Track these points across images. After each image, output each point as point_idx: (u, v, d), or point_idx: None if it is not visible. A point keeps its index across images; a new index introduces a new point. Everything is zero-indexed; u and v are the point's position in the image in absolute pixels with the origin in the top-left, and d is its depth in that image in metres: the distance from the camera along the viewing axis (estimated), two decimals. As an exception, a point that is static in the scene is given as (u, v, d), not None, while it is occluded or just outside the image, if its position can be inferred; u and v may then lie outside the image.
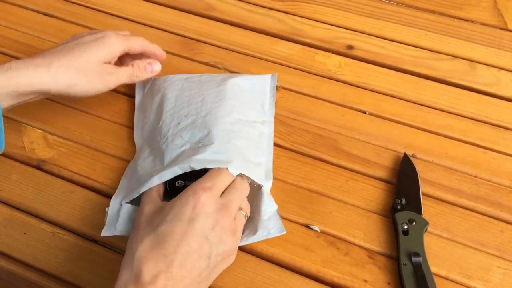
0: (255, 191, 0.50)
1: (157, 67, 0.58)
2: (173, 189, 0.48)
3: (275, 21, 0.72)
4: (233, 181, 0.46)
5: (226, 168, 0.46)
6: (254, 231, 0.47)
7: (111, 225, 0.47)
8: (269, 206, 0.48)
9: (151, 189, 0.46)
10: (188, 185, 0.44)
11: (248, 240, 0.47)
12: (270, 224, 0.47)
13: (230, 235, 0.43)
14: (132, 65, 0.56)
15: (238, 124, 0.54)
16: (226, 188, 0.45)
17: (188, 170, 0.47)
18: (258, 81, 0.62)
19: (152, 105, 0.58)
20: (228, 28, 0.72)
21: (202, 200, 0.42)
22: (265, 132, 0.57)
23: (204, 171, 0.46)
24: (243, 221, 0.46)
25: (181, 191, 0.44)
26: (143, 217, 0.43)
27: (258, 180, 0.49)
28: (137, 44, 0.57)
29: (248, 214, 0.47)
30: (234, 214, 0.44)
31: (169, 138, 0.52)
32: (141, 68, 0.56)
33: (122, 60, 0.58)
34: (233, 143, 0.51)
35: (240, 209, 0.46)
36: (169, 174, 0.47)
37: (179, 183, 0.48)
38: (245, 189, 0.47)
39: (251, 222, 0.48)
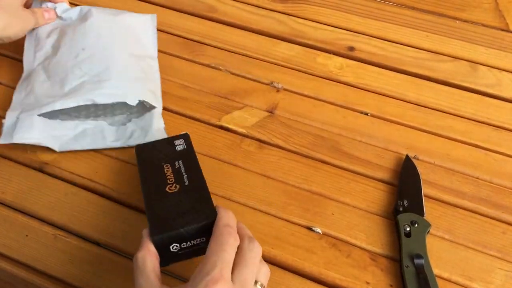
0: (147, 110, 0.58)
1: (48, 15, 0.61)
2: (168, 255, 0.42)
3: (276, 23, 0.72)
4: (238, 248, 0.39)
5: (225, 232, 0.39)
6: (143, 136, 0.56)
7: (7, 135, 0.53)
8: (159, 123, 0.57)
9: (145, 269, 0.38)
10: (183, 249, 0.42)
11: (130, 140, 0.56)
12: (157, 135, 0.56)
13: None
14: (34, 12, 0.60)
15: (131, 59, 0.60)
16: (235, 261, 0.38)
17: (89, 103, 0.54)
18: (141, 19, 0.66)
19: (49, 35, 0.61)
20: (229, 29, 0.72)
21: None
22: (153, 65, 0.63)
23: (196, 228, 0.42)
24: None
25: (177, 256, 0.42)
26: None
27: (153, 103, 0.57)
28: None
29: (266, 284, 0.41)
30: None
31: (68, 69, 0.57)
32: (39, 15, 0.60)
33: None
34: (129, 77, 0.58)
35: (256, 282, 0.39)
36: (72, 102, 0.53)
37: (175, 248, 0.42)
38: (256, 255, 0.39)
39: (142, 131, 0.56)
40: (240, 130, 0.59)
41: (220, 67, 0.67)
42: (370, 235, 0.50)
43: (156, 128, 0.57)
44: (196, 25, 0.72)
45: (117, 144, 0.56)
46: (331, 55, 0.68)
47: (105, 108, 0.57)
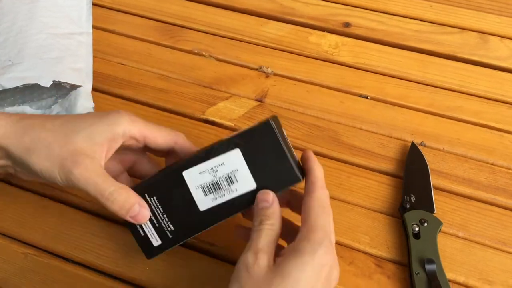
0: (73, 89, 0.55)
1: (143, 214, 0.39)
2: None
3: (263, 0, 0.66)
4: None
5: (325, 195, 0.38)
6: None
7: None
8: (86, 102, 0.53)
9: (274, 227, 0.37)
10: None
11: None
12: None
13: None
14: (121, 187, 0.38)
15: (51, 39, 0.57)
16: None
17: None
18: None
19: None
20: (212, 10, 0.65)
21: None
22: (84, 41, 0.60)
23: None
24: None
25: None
26: (260, 270, 0.34)
27: (77, 82, 0.54)
28: (160, 136, 0.41)
29: None
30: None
31: None
32: (126, 203, 0.38)
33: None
34: (45, 58, 0.55)
35: None
36: None
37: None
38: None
39: (67, 112, 0.53)
40: (227, 123, 0.54)
41: (203, 53, 0.61)
42: (374, 237, 0.45)
43: (82, 108, 0.52)
44: (175, 7, 0.66)
45: None
46: (325, 33, 0.62)
47: (32, 92, 0.54)
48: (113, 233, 0.46)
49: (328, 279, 0.34)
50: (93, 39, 0.61)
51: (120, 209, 0.38)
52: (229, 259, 0.44)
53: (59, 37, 0.58)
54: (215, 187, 0.37)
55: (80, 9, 0.62)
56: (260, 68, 0.59)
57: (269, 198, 0.37)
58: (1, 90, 0.52)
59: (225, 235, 0.44)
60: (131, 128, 0.39)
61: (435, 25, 0.62)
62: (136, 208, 0.38)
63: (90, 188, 0.37)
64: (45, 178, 0.38)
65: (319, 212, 0.36)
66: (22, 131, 0.38)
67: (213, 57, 0.60)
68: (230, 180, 0.37)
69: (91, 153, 0.38)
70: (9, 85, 0.51)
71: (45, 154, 0.37)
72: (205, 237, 0.45)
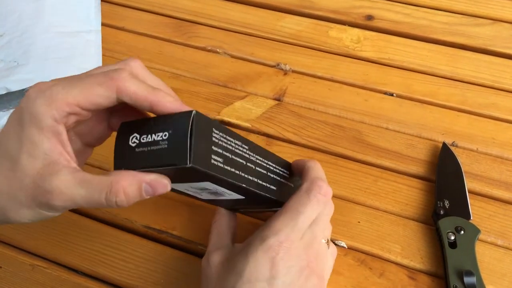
0: None
1: (163, 188, 0.30)
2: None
3: (280, -7, 0.63)
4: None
5: (316, 186, 0.35)
6: None
7: None
8: None
9: (220, 225, 0.38)
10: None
11: None
12: None
13: (316, 279, 0.34)
14: (112, 186, 0.29)
15: (59, 38, 0.55)
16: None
17: (4, 92, 0.48)
18: None
19: None
20: (226, 4, 0.62)
21: (280, 256, 0.32)
22: (92, 40, 0.57)
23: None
24: (326, 249, 0.36)
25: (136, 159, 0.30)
26: (212, 269, 0.35)
27: None
28: (92, 96, 0.30)
29: (329, 236, 0.37)
30: (317, 253, 0.35)
31: None
32: (129, 198, 0.30)
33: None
34: (52, 58, 0.53)
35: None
36: None
37: (133, 141, 0.30)
38: (330, 214, 0.37)
39: None
40: (243, 124, 0.51)
41: (218, 50, 0.57)
42: (406, 247, 0.42)
43: None
44: (187, 2, 0.63)
45: None
46: (346, 27, 0.59)
47: None
48: (124, 243, 0.43)
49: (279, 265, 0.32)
50: (101, 37, 0.58)
51: (129, 202, 0.30)
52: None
53: (67, 36, 0.56)
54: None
55: (88, 6, 0.60)
56: (278, 65, 0.55)
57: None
58: (6, 93, 0.50)
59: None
60: (54, 108, 0.29)
61: (465, 16, 0.58)
62: (148, 189, 0.30)
63: (84, 203, 0.30)
64: (43, 218, 0.31)
65: (291, 206, 0.35)
66: None
67: (228, 54, 0.57)
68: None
69: (52, 168, 0.29)
70: (14, 87, 0.49)
71: (16, 206, 0.30)
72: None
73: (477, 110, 0.51)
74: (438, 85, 0.53)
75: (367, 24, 0.59)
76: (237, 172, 0.32)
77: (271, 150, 0.38)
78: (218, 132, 0.30)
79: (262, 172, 0.35)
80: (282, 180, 0.37)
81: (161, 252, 0.42)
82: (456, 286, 0.38)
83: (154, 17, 0.61)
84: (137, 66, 0.32)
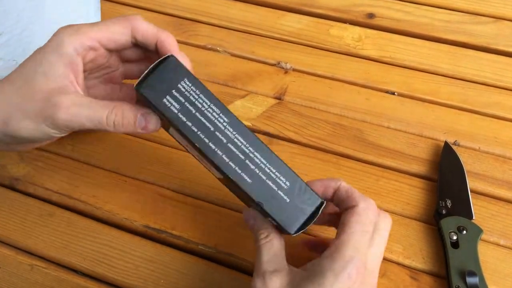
0: None
1: (153, 124, 0.35)
2: None
3: (280, -9, 0.62)
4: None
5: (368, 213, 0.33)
6: None
7: None
8: None
9: (273, 244, 0.34)
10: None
11: None
12: None
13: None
14: (114, 107, 0.34)
15: None
16: None
17: None
18: None
19: None
20: (226, 3, 0.62)
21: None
22: None
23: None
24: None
25: None
26: None
27: None
28: (115, 32, 0.36)
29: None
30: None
31: None
32: (125, 119, 0.35)
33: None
34: None
35: None
36: None
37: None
38: (388, 229, 0.35)
39: None
40: (244, 123, 0.50)
41: (218, 48, 0.57)
42: (408, 247, 0.41)
43: None
44: (186, 0, 0.62)
45: None
46: (347, 25, 0.58)
47: None
48: (124, 243, 0.43)
49: None
50: (101, 35, 0.58)
51: (126, 128, 0.34)
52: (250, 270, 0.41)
53: None
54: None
55: (88, 4, 0.59)
56: (278, 63, 0.55)
57: (249, 213, 0.35)
58: None
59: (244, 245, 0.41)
60: (77, 40, 0.34)
61: (467, 14, 0.58)
62: (141, 120, 0.34)
63: (86, 124, 0.34)
64: (39, 138, 0.35)
65: (355, 228, 0.32)
66: None
67: (228, 53, 0.57)
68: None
69: (62, 90, 0.34)
70: None
71: (21, 116, 0.34)
72: (225, 248, 0.42)
73: (479, 108, 0.50)
74: (440, 83, 0.52)
75: (368, 22, 0.58)
76: (195, 129, 0.33)
77: (272, 150, 0.35)
78: (189, 84, 0.33)
79: (236, 154, 0.33)
80: (268, 181, 0.33)
81: (161, 252, 0.42)
82: (458, 287, 0.38)
83: (154, 15, 0.61)
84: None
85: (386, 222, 0.34)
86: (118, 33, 0.35)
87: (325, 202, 0.34)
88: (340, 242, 0.31)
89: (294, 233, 0.33)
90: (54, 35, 0.35)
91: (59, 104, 0.33)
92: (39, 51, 0.35)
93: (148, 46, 0.37)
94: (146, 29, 0.36)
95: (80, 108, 0.33)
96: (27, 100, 0.34)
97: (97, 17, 0.58)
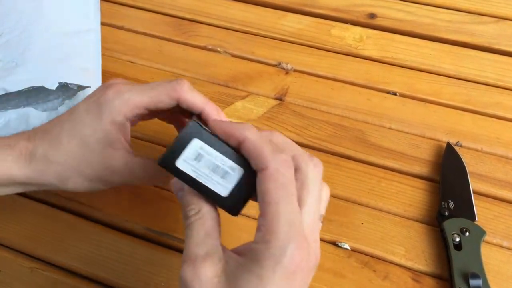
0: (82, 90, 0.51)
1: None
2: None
3: (281, -9, 0.62)
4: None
5: (280, 164, 0.28)
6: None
7: None
8: None
9: (206, 219, 0.30)
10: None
11: None
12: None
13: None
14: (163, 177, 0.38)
15: (58, 37, 0.53)
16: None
17: (2, 93, 0.47)
18: None
19: None
20: (226, 3, 0.61)
21: (300, 278, 0.27)
22: (92, 39, 0.56)
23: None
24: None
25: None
26: (204, 286, 0.27)
27: (84, 83, 0.50)
28: (160, 102, 0.37)
29: (324, 213, 0.33)
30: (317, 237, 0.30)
31: None
32: (171, 187, 0.34)
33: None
34: (51, 58, 0.51)
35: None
36: None
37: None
38: (319, 175, 0.31)
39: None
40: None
41: (218, 49, 0.57)
42: (410, 249, 0.41)
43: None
44: (187, 1, 0.62)
45: None
46: (348, 25, 0.58)
47: (37, 94, 0.51)
48: (124, 246, 0.42)
49: None
50: (101, 36, 0.58)
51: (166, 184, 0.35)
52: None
53: (66, 35, 0.55)
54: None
55: (87, 5, 0.59)
56: (279, 64, 0.55)
57: (178, 184, 0.32)
58: (4, 93, 0.49)
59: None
60: (128, 110, 0.36)
61: (469, 14, 0.58)
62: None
63: (137, 182, 0.38)
64: (91, 191, 0.38)
65: (278, 196, 0.27)
66: (42, 169, 0.36)
67: (228, 53, 0.56)
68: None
69: (116, 154, 0.37)
70: (12, 88, 0.48)
71: (78, 177, 0.37)
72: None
73: (482, 109, 0.50)
74: (442, 84, 0.52)
75: (369, 22, 0.58)
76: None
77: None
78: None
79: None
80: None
81: (162, 255, 0.42)
82: (461, 289, 0.37)
83: (154, 15, 0.60)
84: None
85: (313, 170, 0.30)
86: (165, 102, 0.36)
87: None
88: (268, 220, 0.27)
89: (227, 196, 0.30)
90: (105, 98, 0.36)
91: (114, 170, 0.37)
92: (92, 116, 0.36)
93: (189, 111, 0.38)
94: (193, 102, 0.36)
95: (131, 170, 0.37)
96: (85, 166, 0.36)
97: (96, 18, 0.58)
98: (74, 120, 0.37)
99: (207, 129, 0.31)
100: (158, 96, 0.36)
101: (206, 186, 0.30)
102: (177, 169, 0.30)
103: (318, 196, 0.30)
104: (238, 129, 0.30)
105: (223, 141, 0.31)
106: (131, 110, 0.36)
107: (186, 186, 0.31)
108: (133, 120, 0.38)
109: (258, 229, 0.28)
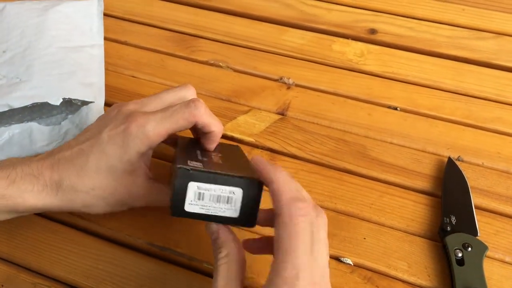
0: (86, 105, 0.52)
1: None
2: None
3: (283, 7, 0.63)
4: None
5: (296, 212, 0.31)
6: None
7: None
8: None
9: (231, 264, 0.34)
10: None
11: (64, 142, 0.48)
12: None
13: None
14: None
15: (62, 53, 0.54)
16: None
17: (6, 109, 0.47)
18: (82, 6, 0.60)
19: None
20: (229, 18, 0.62)
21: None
22: (95, 54, 0.57)
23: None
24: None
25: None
26: None
27: (88, 98, 0.51)
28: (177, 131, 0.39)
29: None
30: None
31: None
32: None
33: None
34: (55, 74, 0.52)
35: None
36: None
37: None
38: (325, 231, 0.34)
39: (77, 128, 0.50)
40: (247, 139, 0.50)
41: (221, 64, 0.57)
42: (413, 264, 0.41)
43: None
44: (190, 16, 0.63)
45: (49, 148, 0.49)
46: (349, 41, 0.59)
47: (41, 109, 0.51)
48: (127, 260, 0.42)
49: None
50: (104, 51, 0.58)
51: None
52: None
53: (70, 50, 0.56)
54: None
55: (91, 20, 0.60)
56: (281, 79, 0.55)
57: (212, 227, 0.35)
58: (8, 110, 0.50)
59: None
60: (152, 140, 0.38)
61: (469, 30, 0.58)
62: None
63: (155, 204, 0.41)
64: (114, 211, 0.41)
65: (289, 242, 0.30)
66: (69, 198, 0.39)
67: (231, 68, 0.57)
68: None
69: (137, 182, 0.39)
70: (17, 104, 0.48)
71: (103, 204, 0.39)
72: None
73: (482, 124, 0.50)
74: (443, 99, 0.53)
75: (370, 38, 0.59)
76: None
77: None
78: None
79: None
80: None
81: (164, 270, 0.42)
82: (464, 305, 0.37)
83: (157, 31, 0.61)
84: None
85: (319, 221, 0.32)
86: (184, 127, 0.39)
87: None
88: (278, 264, 0.30)
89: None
90: (129, 133, 0.38)
91: (136, 197, 0.40)
92: (117, 148, 0.38)
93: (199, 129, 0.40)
94: (207, 123, 0.39)
95: (152, 196, 0.40)
96: (109, 193, 0.39)
97: (100, 34, 0.59)
98: (100, 152, 0.38)
99: (193, 166, 0.34)
100: (178, 122, 0.38)
101: (218, 216, 0.34)
102: (188, 213, 0.34)
103: (325, 244, 0.32)
104: (270, 171, 0.34)
105: (211, 172, 0.34)
106: (155, 141, 0.38)
107: (221, 230, 0.35)
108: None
109: (273, 262, 0.30)
